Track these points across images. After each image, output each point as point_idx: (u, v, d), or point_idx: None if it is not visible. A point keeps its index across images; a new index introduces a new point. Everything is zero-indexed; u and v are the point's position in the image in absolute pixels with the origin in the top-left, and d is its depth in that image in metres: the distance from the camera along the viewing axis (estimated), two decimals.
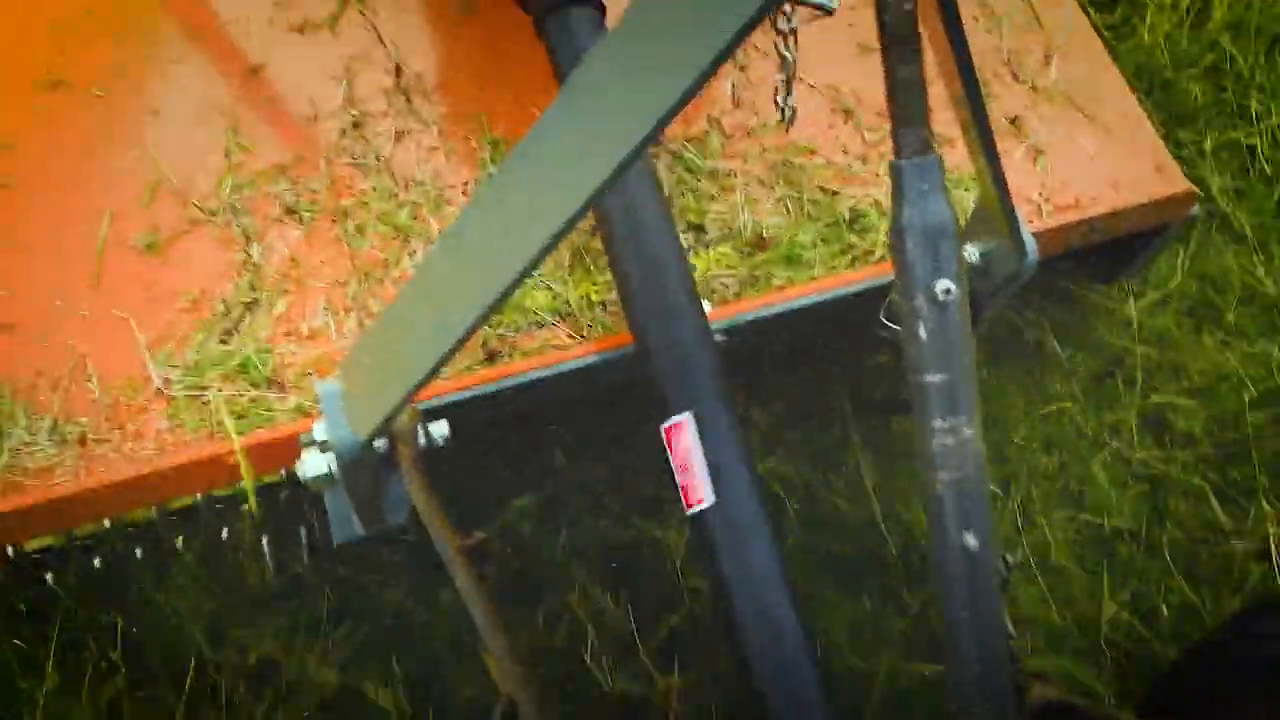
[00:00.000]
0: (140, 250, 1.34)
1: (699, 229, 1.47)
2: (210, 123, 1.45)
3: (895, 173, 0.96)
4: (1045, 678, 1.14)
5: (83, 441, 1.21)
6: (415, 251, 1.39)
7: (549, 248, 0.84)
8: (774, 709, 1.03)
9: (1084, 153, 1.61)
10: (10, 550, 1.22)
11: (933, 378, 0.94)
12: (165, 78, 1.47)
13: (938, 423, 0.94)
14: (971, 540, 0.93)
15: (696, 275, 1.41)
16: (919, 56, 0.94)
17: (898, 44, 0.93)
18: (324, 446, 1.12)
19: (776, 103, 1.45)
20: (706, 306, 1.33)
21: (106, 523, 1.25)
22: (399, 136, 1.48)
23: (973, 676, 0.93)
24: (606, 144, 0.79)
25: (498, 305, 0.89)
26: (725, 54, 0.72)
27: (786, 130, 1.52)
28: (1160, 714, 1.27)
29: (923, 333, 0.95)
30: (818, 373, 1.75)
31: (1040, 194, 1.56)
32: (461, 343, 0.92)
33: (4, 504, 1.16)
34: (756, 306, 1.37)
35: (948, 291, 0.93)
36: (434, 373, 0.96)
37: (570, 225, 0.82)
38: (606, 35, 0.80)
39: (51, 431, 1.21)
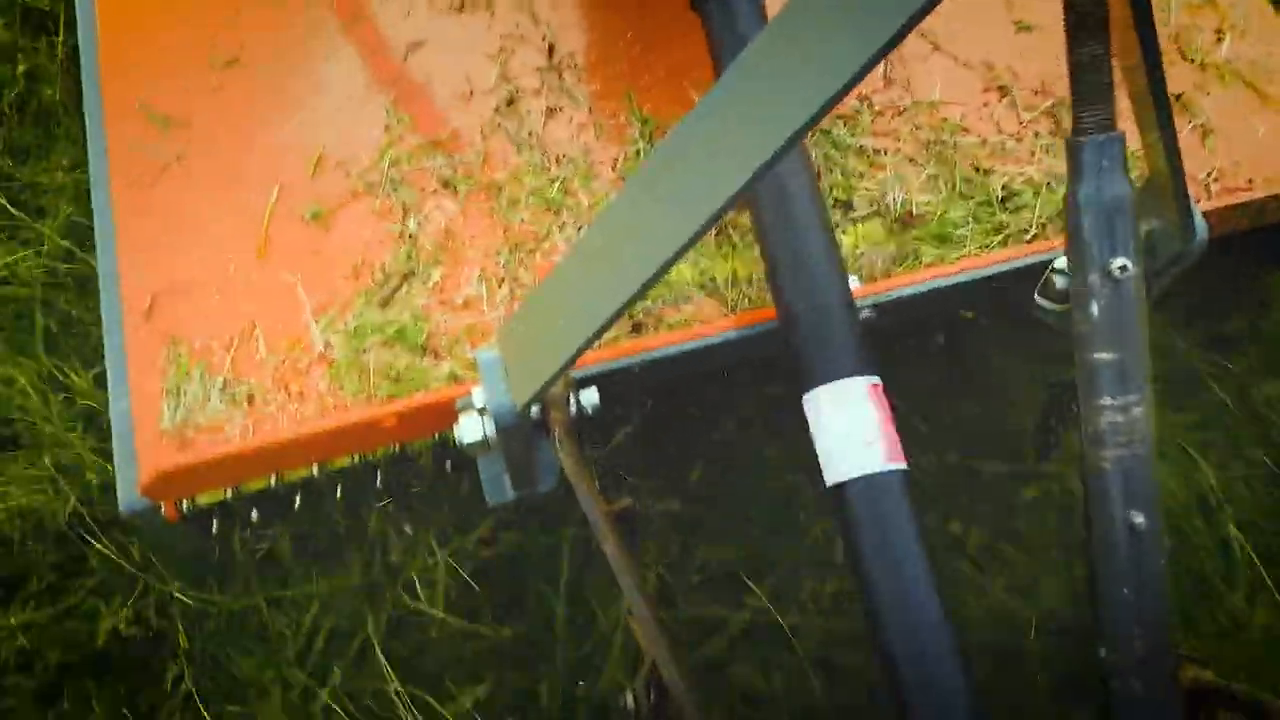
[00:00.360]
0: (306, 220, 1.40)
1: (847, 205, 1.45)
2: (371, 99, 1.50)
3: (1073, 150, 0.95)
4: (1200, 660, 1.10)
5: (250, 401, 1.27)
6: (565, 225, 1.42)
7: (707, 226, 0.85)
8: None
9: (1256, 133, 1.54)
10: (184, 504, 1.29)
11: (1103, 355, 0.92)
12: (330, 55, 1.53)
13: (1107, 400, 0.92)
14: (1139, 518, 0.91)
15: (844, 251, 1.40)
16: (1105, 33, 0.91)
17: (1083, 20, 0.91)
18: (481, 412, 1.15)
19: None
20: (854, 282, 1.32)
21: (273, 480, 1.31)
22: (551, 113, 1.51)
23: (1134, 659, 0.91)
24: (770, 126, 0.79)
25: (655, 280, 0.90)
26: (900, 35, 0.71)
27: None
28: None
29: (1095, 310, 0.93)
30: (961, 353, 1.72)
31: (1209, 174, 1.50)
32: (618, 315, 0.94)
33: (180, 459, 1.23)
34: (906, 283, 1.36)
35: (1123, 268, 0.91)
36: (590, 343, 0.98)
37: (729, 205, 0.83)
38: (777, 15, 0.80)
39: (223, 391, 1.27)
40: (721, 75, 0.83)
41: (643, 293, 0.92)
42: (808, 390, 1.15)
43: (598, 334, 0.98)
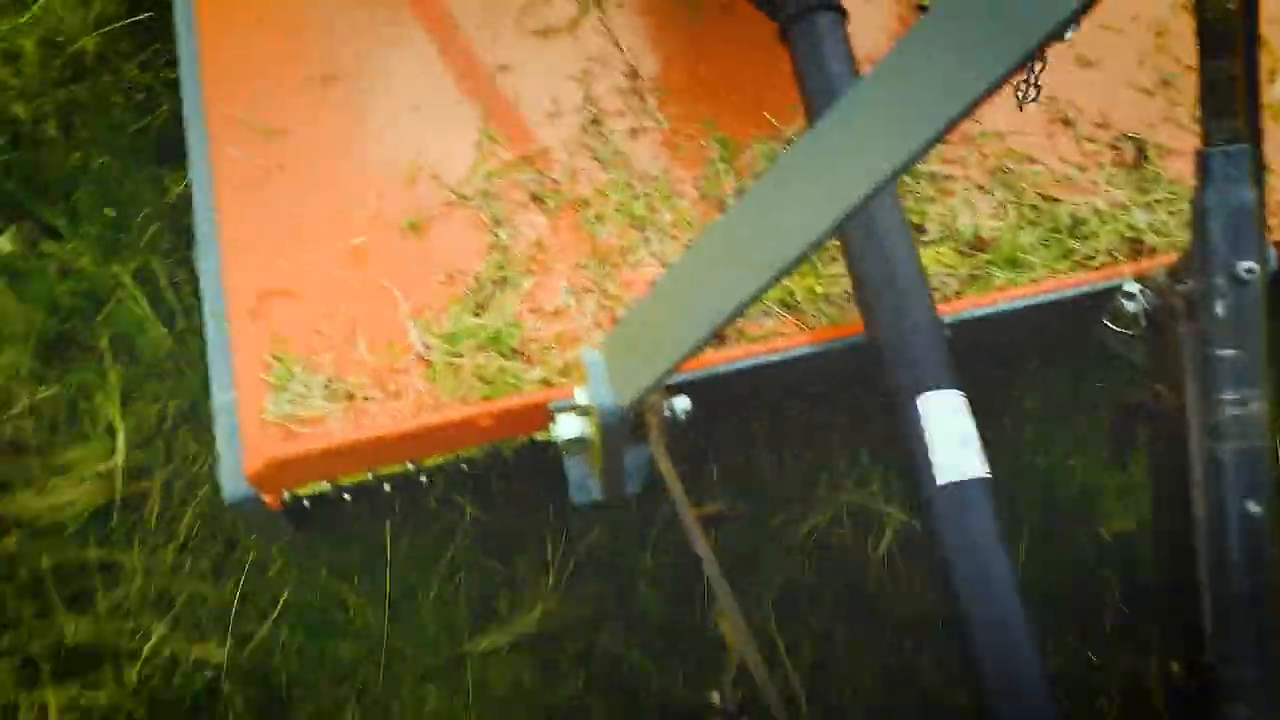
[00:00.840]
0: (403, 229, 1.46)
1: (919, 229, 1.51)
2: (463, 116, 1.56)
3: (1201, 160, 1.01)
4: None
5: (350, 397, 1.33)
6: (650, 240, 1.48)
7: (818, 243, 0.90)
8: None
9: None
10: (287, 494, 1.34)
11: (1226, 352, 0.99)
12: (423, 74, 1.59)
13: (1228, 395, 0.98)
14: (1254, 507, 0.96)
15: None
16: (1235, 52, 0.98)
17: (1213, 37, 0.98)
18: (581, 411, 1.20)
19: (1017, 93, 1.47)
20: None
21: (369, 475, 1.36)
22: (634, 133, 1.57)
23: (1247, 646, 0.95)
24: (883, 153, 0.84)
25: (764, 291, 0.96)
26: (1014, 69, 0.76)
27: (1020, 108, 1.54)
28: None
29: (1220, 310, 0.99)
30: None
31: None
32: (726, 324, 1.00)
33: (285, 449, 1.28)
34: (980, 304, 1.41)
35: (1250, 271, 0.98)
36: (696, 350, 1.04)
37: (836, 227, 0.88)
38: (898, 46, 0.85)
39: (324, 387, 1.33)
40: (836, 101, 0.89)
41: (750, 304, 0.97)
42: (916, 395, 1.18)
43: (704, 340, 1.03)
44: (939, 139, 0.81)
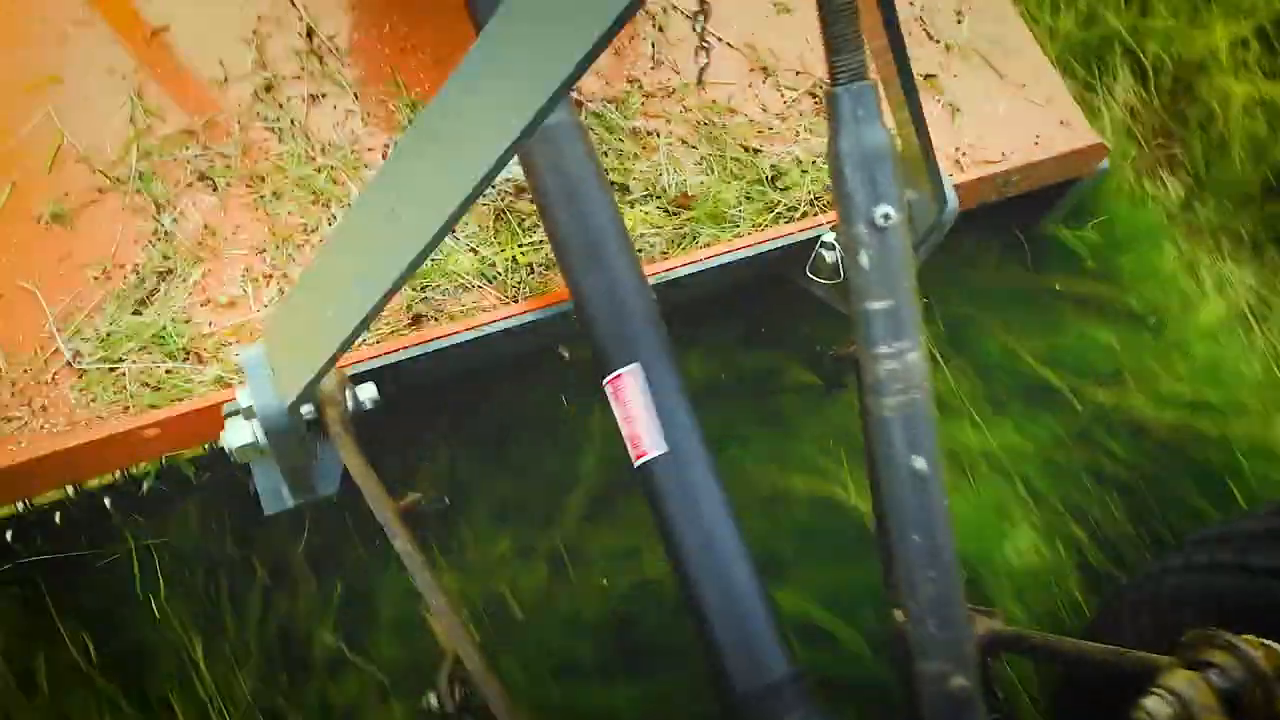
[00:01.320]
0: (46, 220, 1.29)
1: (623, 188, 1.46)
2: (114, 87, 1.39)
3: (830, 100, 0.95)
4: (990, 611, 1.16)
5: None
6: (334, 216, 1.36)
7: (466, 205, 0.83)
8: (728, 657, 1.05)
9: (997, 108, 1.64)
10: None
11: (876, 305, 0.94)
12: (65, 42, 1.41)
13: (883, 349, 0.94)
14: (921, 463, 0.94)
15: None
16: None
17: None
18: (249, 414, 1.09)
19: (697, 55, 1.46)
20: None
21: (20, 506, 1.20)
22: (313, 100, 1.45)
23: (929, 604, 0.94)
24: (518, 101, 0.78)
25: (416, 265, 0.88)
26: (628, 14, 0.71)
27: (699, 81, 1.51)
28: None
29: (865, 260, 0.94)
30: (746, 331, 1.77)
31: (958, 149, 1.58)
32: (382, 304, 0.91)
33: None
34: (685, 263, 1.37)
35: (887, 217, 0.93)
36: (356, 335, 0.95)
37: (485, 183, 0.81)
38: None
39: None
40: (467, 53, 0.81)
41: (404, 280, 0.89)
42: (605, 373, 1.14)
43: (364, 325, 0.94)
44: (574, 79, 0.75)
